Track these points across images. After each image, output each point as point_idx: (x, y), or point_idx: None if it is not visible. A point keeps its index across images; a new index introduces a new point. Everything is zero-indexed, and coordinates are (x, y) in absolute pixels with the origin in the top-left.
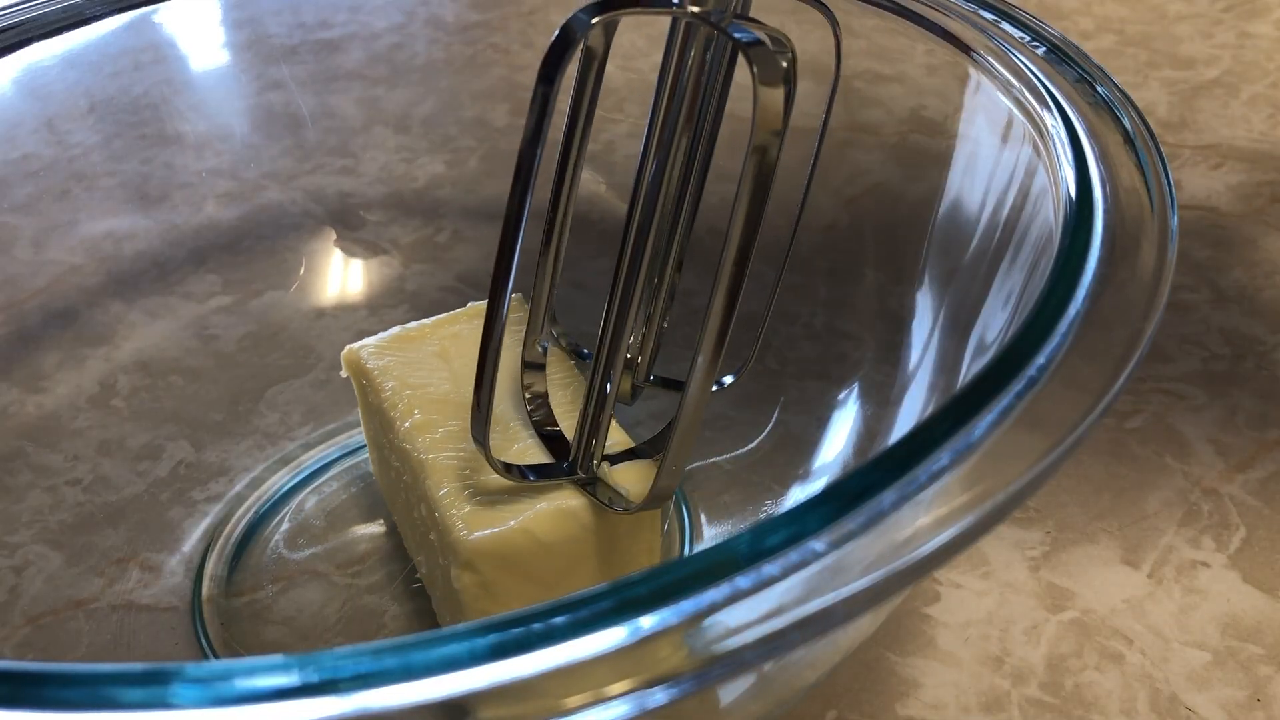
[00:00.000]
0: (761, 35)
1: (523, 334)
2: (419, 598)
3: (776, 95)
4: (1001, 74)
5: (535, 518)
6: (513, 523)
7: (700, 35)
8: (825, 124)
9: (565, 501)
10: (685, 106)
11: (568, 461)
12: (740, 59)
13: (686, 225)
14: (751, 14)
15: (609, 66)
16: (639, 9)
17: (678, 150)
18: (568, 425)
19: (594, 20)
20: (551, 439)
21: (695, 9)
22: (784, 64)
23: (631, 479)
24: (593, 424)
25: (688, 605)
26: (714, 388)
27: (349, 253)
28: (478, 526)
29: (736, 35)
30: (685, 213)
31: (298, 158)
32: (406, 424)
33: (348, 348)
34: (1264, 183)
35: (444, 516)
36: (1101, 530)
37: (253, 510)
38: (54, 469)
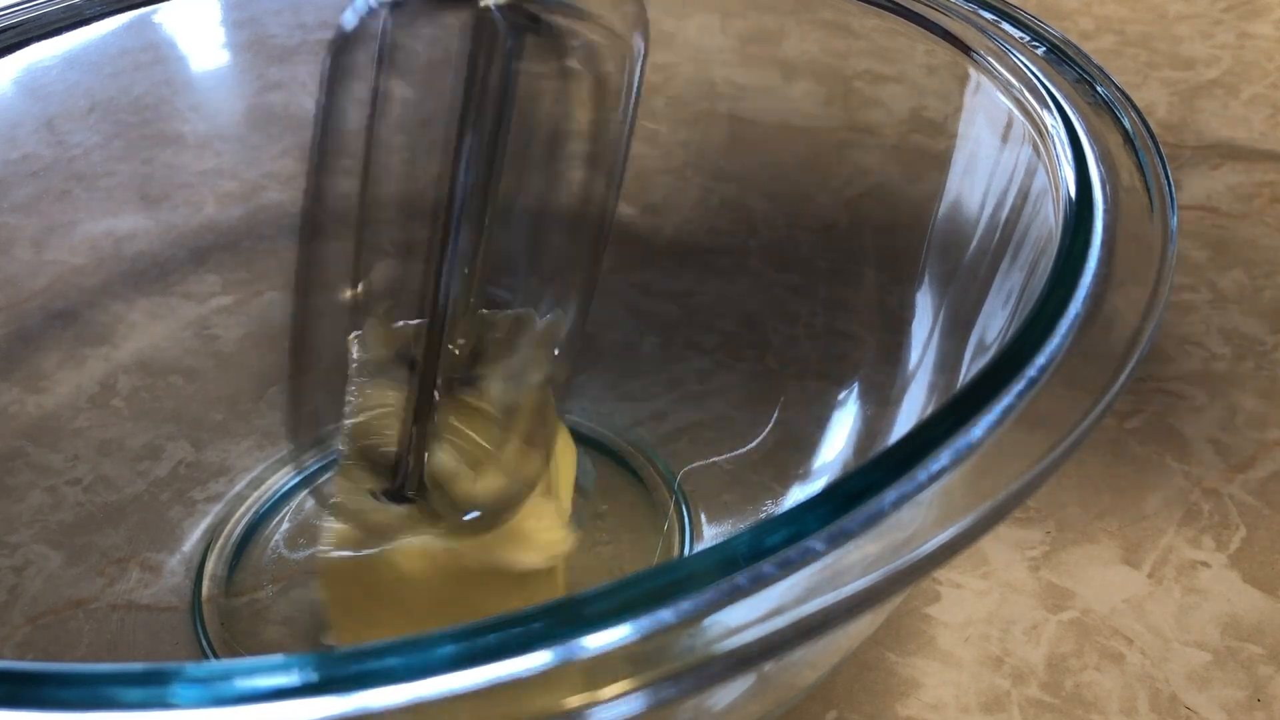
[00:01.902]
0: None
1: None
2: None
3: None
4: (1001, 74)
5: (397, 550)
6: (371, 550)
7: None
8: (629, 129)
9: (431, 541)
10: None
11: (396, 482)
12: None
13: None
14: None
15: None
16: None
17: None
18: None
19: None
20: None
21: None
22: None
23: (481, 484)
24: (418, 440)
25: (687, 605)
26: None
27: (349, 253)
28: (341, 546)
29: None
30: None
31: (298, 158)
32: (349, 424)
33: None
34: (1264, 183)
35: (324, 529)
36: (1101, 530)
37: (253, 510)
38: (54, 469)
